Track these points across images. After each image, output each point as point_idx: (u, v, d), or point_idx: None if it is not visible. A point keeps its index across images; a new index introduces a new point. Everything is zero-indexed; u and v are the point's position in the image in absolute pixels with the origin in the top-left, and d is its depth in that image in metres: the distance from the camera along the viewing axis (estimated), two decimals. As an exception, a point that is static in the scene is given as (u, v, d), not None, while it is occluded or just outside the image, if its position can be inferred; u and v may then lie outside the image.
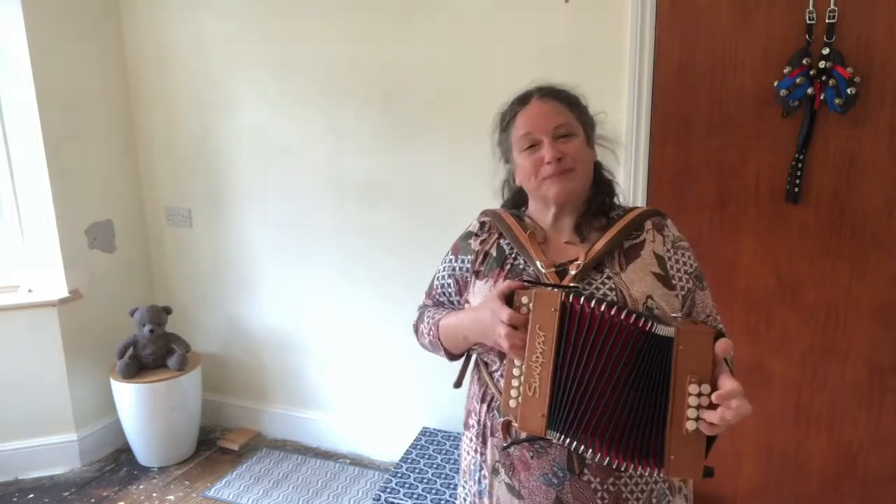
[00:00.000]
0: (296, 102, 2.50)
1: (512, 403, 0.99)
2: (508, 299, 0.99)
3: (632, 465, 0.94)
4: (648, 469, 0.94)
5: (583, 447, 0.95)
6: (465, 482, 1.21)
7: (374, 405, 2.67)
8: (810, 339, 1.93)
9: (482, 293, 1.11)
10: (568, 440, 0.95)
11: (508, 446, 1.08)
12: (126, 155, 2.82)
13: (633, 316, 0.92)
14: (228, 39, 2.56)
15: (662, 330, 0.91)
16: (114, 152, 2.76)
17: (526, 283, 1.01)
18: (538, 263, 1.07)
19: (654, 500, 1.05)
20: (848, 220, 1.83)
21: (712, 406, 0.88)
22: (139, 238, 2.91)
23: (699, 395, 0.89)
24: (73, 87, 2.54)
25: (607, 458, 0.94)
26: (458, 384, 1.22)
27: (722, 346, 0.89)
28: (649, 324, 0.92)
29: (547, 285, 1.01)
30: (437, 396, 2.51)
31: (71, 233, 2.57)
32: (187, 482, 2.53)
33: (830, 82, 1.72)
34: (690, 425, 0.89)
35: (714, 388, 0.88)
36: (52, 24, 2.44)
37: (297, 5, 2.40)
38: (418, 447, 2.41)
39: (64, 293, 2.54)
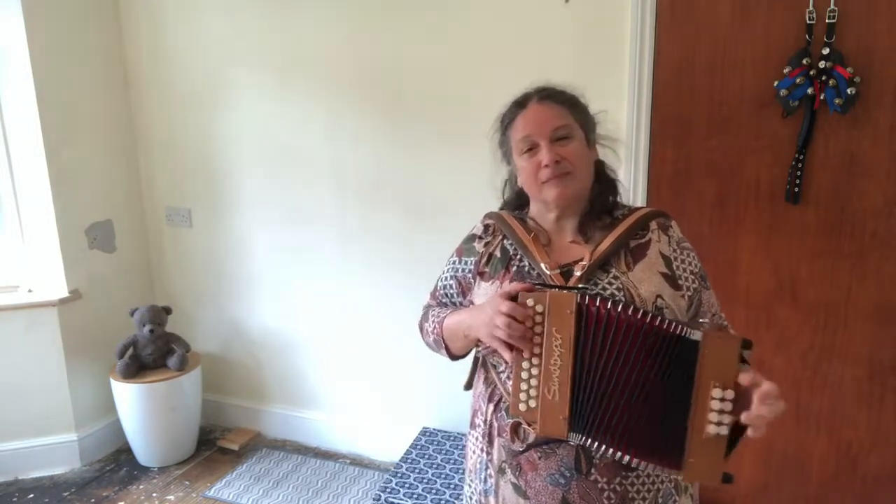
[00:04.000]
0: (296, 102, 2.50)
1: (522, 406, 0.99)
2: (513, 301, 0.99)
3: (650, 465, 0.95)
4: (668, 470, 0.95)
5: (605, 447, 0.96)
6: (471, 481, 1.22)
7: (374, 405, 2.67)
8: (810, 339, 1.93)
9: (487, 295, 1.12)
10: (590, 441, 0.97)
11: (523, 451, 1.07)
12: (126, 155, 2.82)
13: (656, 319, 0.94)
14: (228, 39, 2.56)
15: (690, 334, 0.92)
16: (114, 152, 2.76)
17: (531, 286, 1.01)
18: (542, 265, 1.07)
19: (660, 500, 1.05)
20: (848, 220, 1.83)
21: (736, 411, 0.89)
22: (139, 238, 2.91)
23: (722, 399, 0.90)
24: (73, 87, 2.54)
25: (627, 457, 0.95)
26: (468, 386, 1.23)
27: (748, 378, 0.91)
28: (678, 328, 0.93)
29: (552, 286, 1.01)
30: (437, 396, 2.51)
31: (71, 233, 2.57)
32: (187, 482, 2.53)
33: (830, 82, 1.72)
34: (711, 430, 0.90)
35: (738, 394, 0.90)
36: (52, 24, 2.44)
37: (298, 5, 2.40)
38: (418, 447, 2.41)
39: (64, 293, 2.54)
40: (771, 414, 0.88)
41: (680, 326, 0.93)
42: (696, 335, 0.92)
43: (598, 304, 0.95)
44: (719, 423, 0.90)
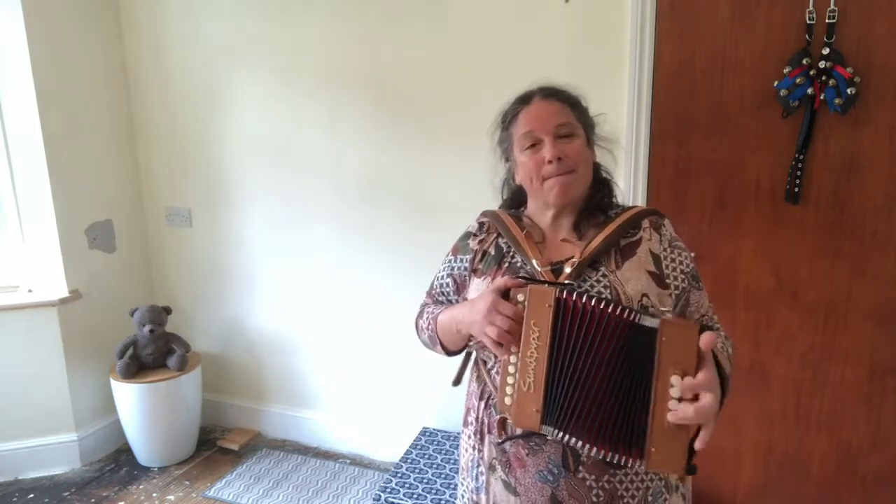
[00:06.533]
0: (296, 102, 2.50)
1: (507, 401, 0.99)
2: (504, 296, 1.00)
3: (617, 456, 0.95)
4: (631, 461, 0.95)
5: (575, 440, 0.96)
6: (464, 479, 1.23)
7: (374, 405, 2.67)
8: (810, 339, 1.93)
9: (479, 291, 1.12)
10: (561, 434, 0.97)
11: (503, 442, 1.09)
12: (126, 155, 2.82)
13: (625, 311, 0.94)
14: (229, 39, 2.56)
15: (647, 321, 0.92)
16: (114, 152, 2.76)
17: (521, 281, 1.01)
18: (533, 262, 1.08)
19: (649, 499, 1.05)
20: (848, 220, 1.83)
21: (696, 399, 0.88)
22: (139, 238, 2.91)
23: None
24: (73, 87, 2.55)
25: (594, 449, 0.95)
26: (456, 382, 1.23)
27: (706, 338, 0.90)
28: (634, 315, 0.93)
29: (542, 283, 1.02)
30: (437, 396, 2.52)
31: (71, 233, 2.57)
32: (187, 482, 2.53)
33: (830, 82, 1.72)
34: (671, 417, 0.89)
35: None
36: (52, 25, 2.44)
37: (298, 5, 2.40)
38: (418, 447, 2.41)
39: (64, 293, 2.54)
40: (692, 410, 0.86)
41: (637, 314, 0.93)
42: (654, 322, 0.91)
43: (574, 298, 0.95)
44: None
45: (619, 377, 0.94)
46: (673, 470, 0.93)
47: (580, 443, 0.96)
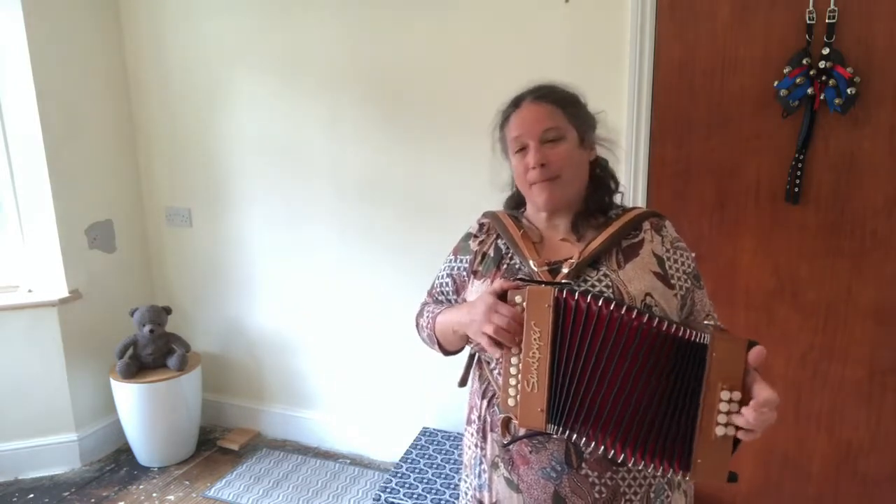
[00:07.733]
0: (296, 102, 2.50)
1: (510, 402, 1.00)
2: (502, 298, 1.00)
3: (652, 465, 0.95)
4: (672, 470, 0.95)
5: (588, 441, 0.96)
6: (467, 476, 1.23)
7: (374, 405, 2.67)
8: (810, 339, 1.93)
9: (479, 292, 1.12)
10: (569, 433, 0.97)
11: (508, 444, 1.09)
12: (126, 155, 2.82)
13: (654, 319, 0.93)
14: (229, 39, 2.56)
15: (697, 336, 0.92)
16: (114, 152, 2.76)
17: (519, 282, 1.01)
18: (531, 262, 1.09)
19: (651, 495, 1.06)
20: (848, 220, 1.83)
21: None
22: (139, 238, 2.91)
23: (730, 401, 0.90)
24: (72, 87, 2.55)
25: (622, 456, 0.95)
26: (462, 383, 1.24)
27: (755, 354, 0.90)
28: (688, 332, 0.93)
29: (539, 283, 1.02)
30: (437, 396, 2.52)
31: (71, 233, 2.57)
32: (187, 482, 2.53)
33: (830, 82, 1.72)
34: (719, 431, 0.91)
35: (745, 395, 0.90)
36: (52, 24, 2.44)
37: (298, 5, 2.40)
38: (418, 447, 2.41)
39: (64, 293, 2.54)
40: (760, 424, 0.87)
41: (690, 331, 0.93)
42: (705, 337, 0.92)
43: (576, 298, 0.95)
44: (727, 424, 0.90)
45: (653, 385, 0.94)
46: (716, 479, 0.94)
47: (601, 446, 0.96)
